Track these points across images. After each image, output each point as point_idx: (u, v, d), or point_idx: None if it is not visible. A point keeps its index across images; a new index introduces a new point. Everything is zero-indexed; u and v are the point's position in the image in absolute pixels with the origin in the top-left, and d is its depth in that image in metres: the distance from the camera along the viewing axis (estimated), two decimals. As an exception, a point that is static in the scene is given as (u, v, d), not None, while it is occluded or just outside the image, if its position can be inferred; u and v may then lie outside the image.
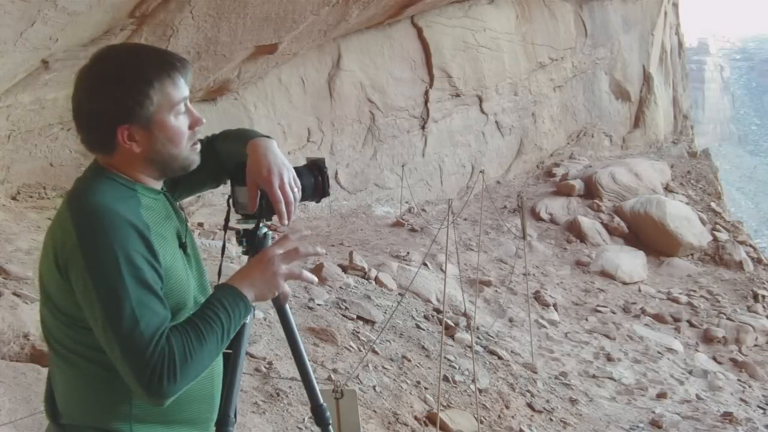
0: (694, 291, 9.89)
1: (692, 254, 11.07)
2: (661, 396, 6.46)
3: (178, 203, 1.59)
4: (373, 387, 4.45)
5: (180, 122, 1.38)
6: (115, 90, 1.31)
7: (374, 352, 4.96)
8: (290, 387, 3.95)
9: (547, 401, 5.55)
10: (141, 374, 1.24)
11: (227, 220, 1.71)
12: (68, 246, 1.28)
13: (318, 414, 2.04)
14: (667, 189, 13.14)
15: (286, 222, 1.53)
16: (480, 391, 4.98)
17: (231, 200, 1.70)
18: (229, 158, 1.65)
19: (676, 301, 9.48)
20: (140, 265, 1.28)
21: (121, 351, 1.25)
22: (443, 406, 4.51)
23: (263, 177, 1.52)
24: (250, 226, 1.66)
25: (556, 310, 8.31)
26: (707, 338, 8.55)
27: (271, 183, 1.52)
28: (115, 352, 1.25)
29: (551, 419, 5.25)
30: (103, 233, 1.27)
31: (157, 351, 1.25)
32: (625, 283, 9.82)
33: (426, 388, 4.75)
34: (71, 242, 1.28)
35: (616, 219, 11.30)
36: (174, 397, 1.28)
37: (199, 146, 1.45)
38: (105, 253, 1.26)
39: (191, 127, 1.41)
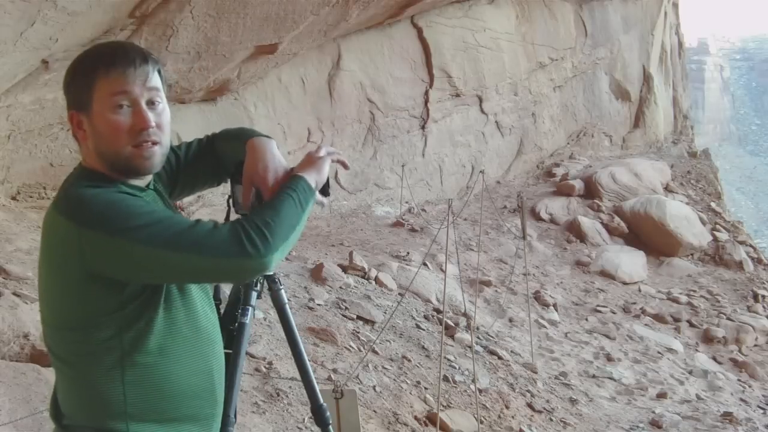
0: (694, 291, 9.88)
1: (692, 254, 11.07)
2: (661, 396, 6.45)
3: (178, 201, 1.60)
4: (373, 387, 4.45)
5: (119, 118, 1.36)
6: (68, 76, 1.39)
7: (374, 352, 4.96)
8: (290, 387, 3.95)
9: (547, 401, 5.55)
10: (229, 248, 1.27)
11: (227, 219, 1.72)
12: (75, 239, 1.28)
13: (318, 414, 2.04)
14: (667, 189, 13.14)
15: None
16: (480, 391, 4.98)
17: (231, 200, 1.71)
18: (229, 157, 1.65)
19: (676, 301, 9.48)
20: (152, 206, 1.35)
21: (200, 251, 1.27)
22: (443, 406, 4.51)
23: (259, 175, 1.52)
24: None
25: (556, 310, 8.31)
26: (707, 338, 8.55)
27: (266, 181, 1.51)
28: (199, 260, 1.28)
29: (551, 419, 5.25)
30: (103, 203, 1.30)
31: (227, 227, 1.30)
32: (625, 283, 9.82)
33: (426, 388, 4.75)
34: (76, 234, 1.28)
35: (616, 219, 11.29)
36: (278, 253, 1.31)
37: (152, 150, 1.39)
38: (118, 213, 1.29)
39: (134, 128, 1.37)
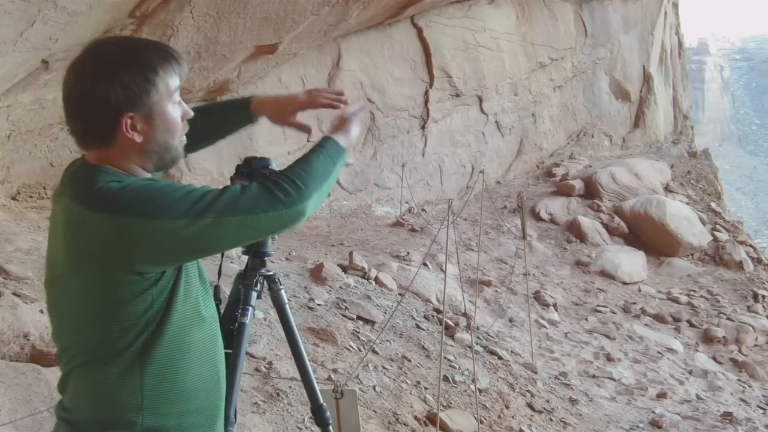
0: (694, 291, 9.88)
1: (692, 254, 11.07)
2: (661, 396, 6.45)
3: None
4: (373, 387, 4.45)
5: (177, 113, 1.41)
6: (122, 76, 1.31)
7: (374, 352, 4.96)
8: (290, 387, 3.95)
9: (547, 401, 5.55)
10: (262, 202, 1.32)
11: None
12: (112, 233, 1.28)
13: (318, 414, 2.04)
14: (667, 189, 13.13)
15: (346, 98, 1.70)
16: (480, 391, 4.98)
17: None
18: (223, 130, 1.80)
19: (676, 301, 9.48)
20: (177, 183, 1.35)
21: (235, 212, 1.30)
22: (443, 406, 4.51)
23: (300, 101, 1.71)
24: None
25: (556, 310, 8.31)
26: (707, 338, 8.55)
27: (310, 94, 1.71)
28: (236, 221, 1.31)
29: (551, 419, 5.25)
30: (134, 191, 1.31)
31: (255, 184, 1.34)
32: (625, 283, 9.82)
33: (426, 388, 4.75)
34: (113, 227, 1.28)
35: (616, 219, 11.29)
36: (312, 201, 1.36)
37: (185, 140, 1.47)
38: (150, 196, 1.30)
39: (183, 118, 1.43)
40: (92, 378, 1.38)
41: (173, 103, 1.39)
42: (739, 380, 7.51)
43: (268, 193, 1.33)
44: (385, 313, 5.78)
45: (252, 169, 1.92)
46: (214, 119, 1.79)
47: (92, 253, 1.31)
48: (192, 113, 1.46)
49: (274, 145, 8.71)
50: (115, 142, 1.35)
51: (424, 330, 5.85)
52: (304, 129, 1.75)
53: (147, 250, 1.29)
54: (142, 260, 1.30)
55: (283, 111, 1.73)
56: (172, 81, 1.37)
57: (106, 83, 1.30)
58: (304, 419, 3.69)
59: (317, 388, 2.03)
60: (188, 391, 1.41)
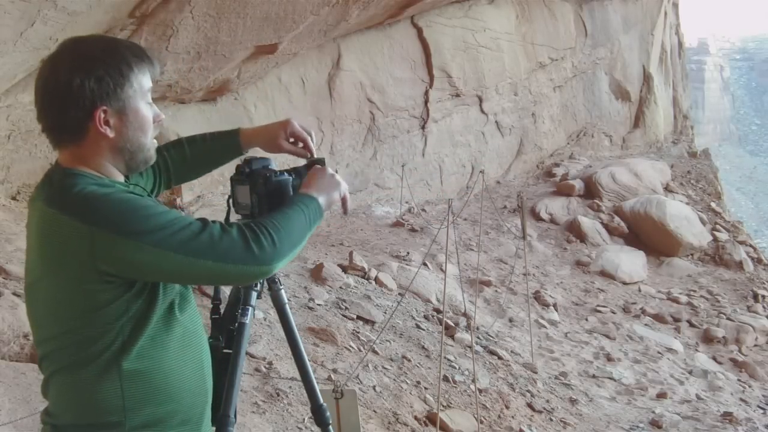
0: (694, 291, 9.88)
1: (692, 254, 11.07)
2: (661, 396, 6.45)
3: (178, 201, 1.63)
4: (373, 387, 4.45)
5: (150, 112, 1.42)
6: (97, 69, 1.32)
7: (374, 352, 4.96)
8: (290, 387, 3.95)
9: (547, 401, 5.55)
10: (238, 254, 1.31)
11: (227, 220, 1.73)
12: (85, 239, 1.27)
13: (318, 414, 2.04)
14: (667, 189, 13.14)
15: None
16: (480, 391, 4.98)
17: (231, 200, 1.73)
18: (211, 159, 1.81)
19: (676, 301, 9.48)
20: (161, 206, 1.34)
21: (210, 256, 1.30)
22: (443, 406, 4.51)
23: (289, 131, 1.75)
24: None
25: (556, 310, 8.30)
26: (707, 338, 8.55)
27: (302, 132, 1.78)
28: (209, 264, 1.30)
29: (551, 419, 5.25)
30: (114, 203, 1.29)
31: (236, 232, 1.33)
32: (625, 283, 9.82)
33: (426, 388, 4.75)
34: (86, 233, 1.26)
35: (616, 219, 11.29)
36: (282, 262, 1.35)
37: (156, 143, 1.48)
38: (131, 214, 1.28)
39: (154, 120, 1.44)
40: (71, 382, 1.38)
41: (146, 103, 1.40)
42: (739, 380, 7.51)
43: (245, 245, 1.32)
44: (385, 313, 5.78)
45: (252, 169, 1.91)
46: (203, 147, 1.80)
47: (64, 258, 1.30)
48: (163, 116, 1.47)
49: (274, 145, 8.70)
50: (86, 137, 1.35)
51: (424, 330, 5.85)
52: (299, 154, 1.77)
53: (115, 265, 1.28)
54: (109, 271, 1.29)
55: (275, 140, 1.77)
56: (145, 80, 1.39)
57: (81, 76, 1.30)
58: (304, 419, 3.69)
59: (317, 388, 2.03)
60: (172, 391, 1.40)
